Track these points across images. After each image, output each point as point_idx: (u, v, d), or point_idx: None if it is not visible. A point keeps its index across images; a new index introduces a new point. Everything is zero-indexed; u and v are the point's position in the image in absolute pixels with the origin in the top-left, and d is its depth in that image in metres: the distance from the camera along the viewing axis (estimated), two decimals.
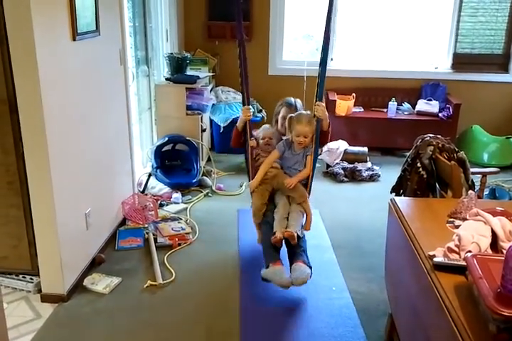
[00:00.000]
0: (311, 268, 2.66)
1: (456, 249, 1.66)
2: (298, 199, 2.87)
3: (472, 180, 2.56)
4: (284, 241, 2.74)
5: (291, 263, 2.67)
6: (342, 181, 4.56)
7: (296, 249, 2.70)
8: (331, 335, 2.42)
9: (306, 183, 2.97)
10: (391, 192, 2.75)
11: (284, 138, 3.01)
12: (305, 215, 2.92)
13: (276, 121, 3.20)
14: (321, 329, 2.46)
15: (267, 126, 3.18)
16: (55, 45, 2.47)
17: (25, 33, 2.24)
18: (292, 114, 2.93)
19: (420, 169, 2.43)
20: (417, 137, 2.66)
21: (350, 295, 2.78)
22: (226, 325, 2.52)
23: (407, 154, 2.68)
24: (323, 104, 2.90)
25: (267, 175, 2.93)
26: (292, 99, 3.19)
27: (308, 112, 2.93)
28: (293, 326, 2.49)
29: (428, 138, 2.49)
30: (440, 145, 2.46)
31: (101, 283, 2.80)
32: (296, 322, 2.53)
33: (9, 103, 2.44)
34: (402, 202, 2.15)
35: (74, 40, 2.63)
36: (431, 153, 2.45)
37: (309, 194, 2.98)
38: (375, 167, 4.76)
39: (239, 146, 3.15)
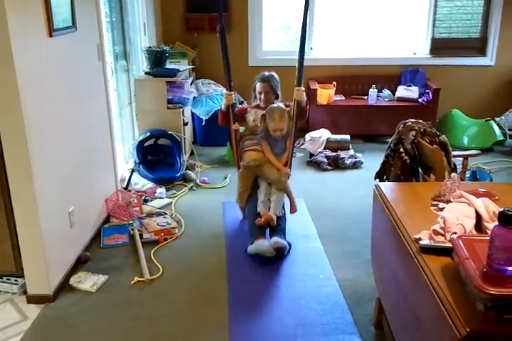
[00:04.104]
0: (289, 244, 2.99)
1: (442, 231, 1.67)
2: (277, 188, 3.18)
3: (454, 163, 2.58)
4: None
5: (270, 239, 2.98)
6: (326, 169, 4.57)
7: (276, 227, 3.03)
8: (320, 323, 2.42)
9: (286, 163, 3.27)
10: (375, 179, 2.75)
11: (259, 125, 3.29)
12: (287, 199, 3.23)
13: (255, 97, 3.43)
14: (310, 317, 2.47)
15: (259, 110, 3.31)
16: (32, 42, 2.42)
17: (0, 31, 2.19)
18: (264, 112, 3.18)
19: (403, 154, 2.44)
20: (398, 123, 2.67)
21: (338, 282, 2.78)
22: (215, 317, 2.51)
23: (390, 140, 2.69)
24: (303, 88, 3.11)
25: (250, 165, 3.23)
26: (266, 73, 3.40)
27: (279, 105, 3.20)
28: (282, 315, 2.48)
29: (410, 123, 2.50)
30: (422, 129, 2.46)
31: (87, 281, 2.77)
32: (285, 311, 2.52)
33: None
34: (387, 187, 2.15)
35: (50, 36, 2.58)
36: (413, 137, 2.46)
37: (289, 175, 3.29)
38: (357, 154, 4.77)
39: (226, 124, 3.39)
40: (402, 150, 2.45)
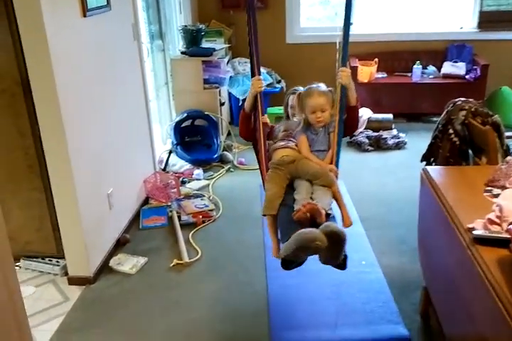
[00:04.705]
0: (345, 255, 1.95)
1: (498, 221, 1.55)
2: (321, 183, 2.18)
3: (507, 145, 2.41)
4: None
5: None
6: (367, 150, 4.43)
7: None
8: (363, 311, 2.35)
9: (331, 163, 2.34)
10: (421, 161, 2.62)
11: (296, 119, 2.48)
12: (337, 205, 2.20)
13: (288, 115, 2.59)
14: (352, 305, 2.40)
15: (289, 121, 2.53)
16: (65, 23, 2.38)
17: (33, 12, 2.15)
18: (300, 90, 2.39)
19: (453, 135, 2.29)
20: (443, 101, 2.50)
21: (381, 268, 2.69)
22: (253, 303, 2.47)
23: (436, 120, 2.53)
24: (349, 70, 2.33)
25: (283, 160, 2.26)
26: (300, 87, 2.47)
27: (320, 84, 2.37)
28: (322, 303, 2.42)
29: (460, 102, 2.34)
30: (473, 109, 2.31)
31: (127, 263, 2.78)
32: (325, 298, 2.46)
33: (22, 84, 2.37)
34: (435, 171, 2.03)
35: (84, 16, 2.53)
36: (463, 118, 2.30)
37: (337, 177, 2.29)
38: (400, 134, 4.61)
39: (249, 135, 2.44)
40: (451, 131, 2.31)
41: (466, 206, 1.75)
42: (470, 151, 2.43)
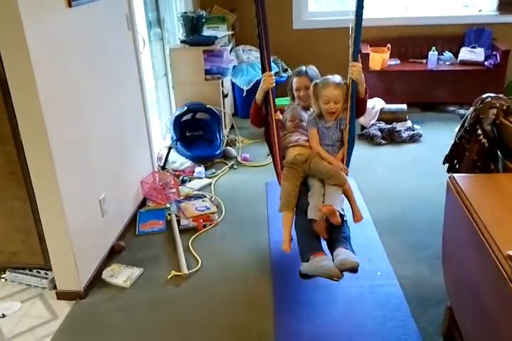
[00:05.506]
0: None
1: None
2: (333, 182, 2.35)
3: None
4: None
5: (331, 251, 2.20)
6: (379, 144, 4.15)
7: (337, 235, 2.21)
8: (378, 331, 2.12)
9: (342, 159, 2.50)
10: (444, 163, 2.36)
11: (309, 112, 2.62)
12: (347, 201, 2.42)
13: (293, 97, 2.77)
14: (367, 325, 2.16)
15: (297, 106, 2.72)
16: (47, 14, 2.12)
17: (6, 1, 1.89)
18: (317, 81, 2.51)
19: (481, 136, 2.02)
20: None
21: (398, 280, 2.45)
22: (258, 321, 2.24)
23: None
24: (360, 65, 2.45)
25: (297, 159, 2.44)
26: (303, 67, 2.74)
27: (335, 76, 2.50)
28: (334, 322, 2.19)
29: (489, 99, 2.06)
30: (505, 107, 2.03)
31: (121, 275, 2.56)
32: (337, 316, 2.23)
33: (1, 85, 2.13)
34: (464, 179, 1.77)
35: (70, 6, 2.27)
36: (494, 117, 2.03)
37: (347, 175, 2.46)
38: (415, 126, 4.33)
39: (260, 123, 2.68)
40: (479, 132, 2.04)
41: (505, 225, 1.50)
42: (499, 153, 2.16)
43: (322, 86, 2.44)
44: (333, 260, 2.10)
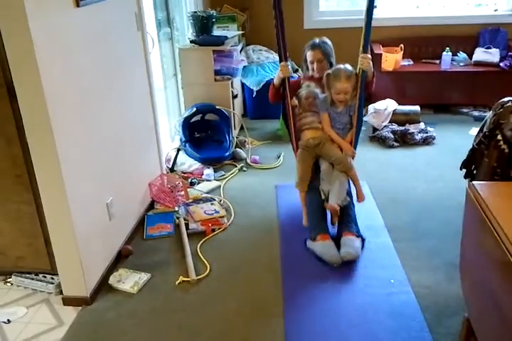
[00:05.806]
0: (362, 239, 2.67)
1: None
2: (341, 169, 2.77)
3: None
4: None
5: (338, 234, 2.65)
6: (392, 146, 4.07)
7: (344, 218, 2.69)
8: None
9: (351, 141, 2.85)
10: (461, 169, 2.28)
11: (321, 96, 2.87)
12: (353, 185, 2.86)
13: (308, 68, 3.07)
14: (380, 335, 2.09)
15: (312, 84, 2.92)
16: (54, 14, 2.07)
17: (12, 1, 1.84)
18: (329, 71, 2.79)
19: (501, 142, 1.94)
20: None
21: (412, 288, 2.38)
22: (268, 330, 2.18)
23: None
24: (369, 56, 2.74)
25: (310, 143, 2.79)
26: (316, 40, 3.03)
27: (346, 66, 2.78)
28: (345, 331, 2.12)
29: (510, 103, 1.99)
30: None
31: (128, 280, 2.51)
32: (348, 325, 2.16)
33: (7, 86, 2.08)
34: (485, 188, 1.69)
35: (77, 6, 2.22)
36: None
37: (354, 157, 2.87)
38: (429, 128, 4.24)
39: (278, 100, 3.01)
40: (499, 137, 1.96)
41: None
42: None
43: (334, 78, 2.73)
44: (339, 243, 2.58)
